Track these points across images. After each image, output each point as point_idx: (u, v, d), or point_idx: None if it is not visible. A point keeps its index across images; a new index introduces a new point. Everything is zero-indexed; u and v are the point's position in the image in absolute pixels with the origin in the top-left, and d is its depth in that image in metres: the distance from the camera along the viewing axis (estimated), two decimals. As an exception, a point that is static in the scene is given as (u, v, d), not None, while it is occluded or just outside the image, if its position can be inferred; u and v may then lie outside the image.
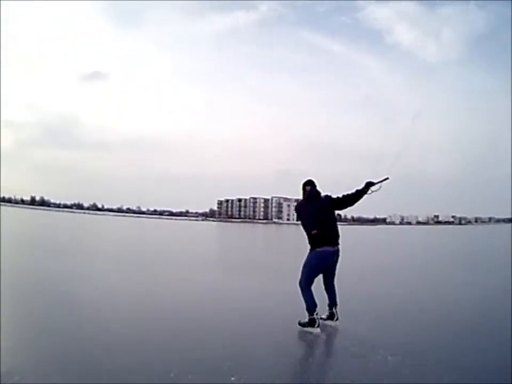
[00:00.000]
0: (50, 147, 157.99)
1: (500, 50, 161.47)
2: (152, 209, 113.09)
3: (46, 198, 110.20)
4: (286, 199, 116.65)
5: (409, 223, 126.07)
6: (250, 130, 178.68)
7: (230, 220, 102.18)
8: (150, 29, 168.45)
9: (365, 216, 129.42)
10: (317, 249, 3.93)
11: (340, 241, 4.05)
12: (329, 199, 4.07)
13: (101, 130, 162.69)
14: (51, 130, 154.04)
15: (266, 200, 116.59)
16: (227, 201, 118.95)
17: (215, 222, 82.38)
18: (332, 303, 4.10)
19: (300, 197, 4.21)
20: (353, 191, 4.03)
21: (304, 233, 4.06)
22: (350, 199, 4.04)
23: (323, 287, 4.10)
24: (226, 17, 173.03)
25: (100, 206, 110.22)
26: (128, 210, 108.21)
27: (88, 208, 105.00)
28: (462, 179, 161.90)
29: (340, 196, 4.06)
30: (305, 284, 3.90)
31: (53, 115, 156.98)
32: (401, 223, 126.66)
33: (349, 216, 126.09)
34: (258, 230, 44.55)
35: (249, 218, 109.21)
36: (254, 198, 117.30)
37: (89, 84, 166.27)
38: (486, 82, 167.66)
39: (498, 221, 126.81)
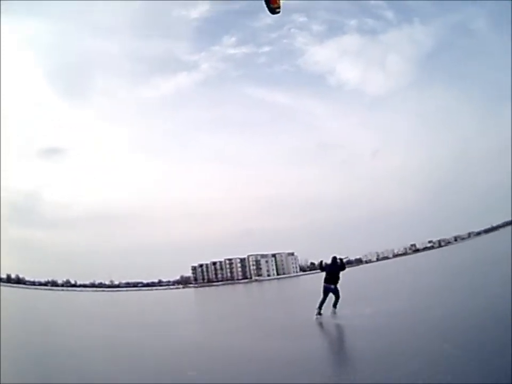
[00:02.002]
0: (20, 225, 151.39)
1: (450, 65, 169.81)
2: (124, 281, 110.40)
3: (21, 276, 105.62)
4: (263, 256, 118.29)
5: (387, 258, 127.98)
6: (208, 192, 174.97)
7: (210, 284, 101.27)
8: (97, 99, 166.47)
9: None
10: (325, 284, 10.28)
11: (339, 282, 10.18)
12: (339, 266, 10.44)
13: (65, 206, 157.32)
14: (17, 208, 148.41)
15: (242, 260, 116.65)
16: (201, 266, 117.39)
17: (196, 288, 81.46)
18: (334, 304, 10.13)
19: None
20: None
21: (324, 278, 10.35)
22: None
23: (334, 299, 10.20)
24: (170, 79, 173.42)
25: (73, 282, 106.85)
26: (101, 285, 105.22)
27: (62, 285, 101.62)
28: (432, 202, 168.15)
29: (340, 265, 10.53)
30: (321, 295, 10.15)
31: (18, 193, 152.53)
32: (378, 259, 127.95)
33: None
34: (254, 290, 44.69)
35: (228, 280, 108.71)
36: (229, 259, 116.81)
37: (48, 160, 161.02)
38: (440, 101, 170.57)
39: (478, 233, 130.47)
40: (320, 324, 9.37)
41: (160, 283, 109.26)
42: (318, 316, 9.92)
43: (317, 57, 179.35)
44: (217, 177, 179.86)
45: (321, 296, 10.22)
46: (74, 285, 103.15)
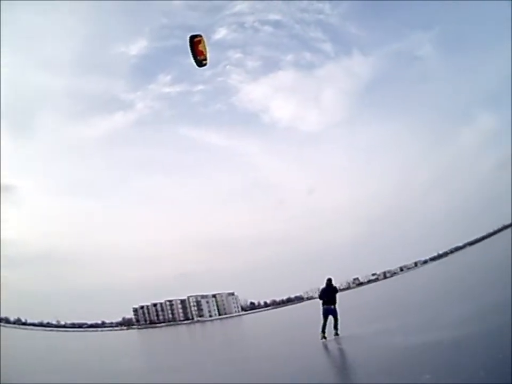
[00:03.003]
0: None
1: (391, 94, 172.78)
2: (70, 322, 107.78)
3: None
4: (203, 296, 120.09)
5: None
6: (147, 234, 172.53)
7: (153, 325, 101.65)
8: (40, 136, 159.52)
9: (277, 299, 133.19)
10: (324, 306, 11.04)
11: (337, 303, 10.98)
12: (335, 288, 11.33)
13: (12, 244, 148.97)
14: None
15: (183, 301, 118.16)
16: (142, 307, 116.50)
17: (139, 330, 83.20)
18: (335, 326, 10.81)
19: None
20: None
21: (320, 301, 11.20)
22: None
23: (333, 321, 10.88)
24: (107, 119, 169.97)
25: (23, 320, 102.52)
26: (49, 324, 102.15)
27: (14, 323, 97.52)
28: (374, 235, 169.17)
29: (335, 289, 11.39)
30: (322, 318, 10.89)
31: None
32: None
33: (262, 302, 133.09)
34: (197, 331, 44.32)
35: (170, 321, 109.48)
36: (170, 301, 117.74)
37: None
38: (379, 132, 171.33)
39: (425, 261, 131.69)
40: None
41: (103, 324, 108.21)
42: (324, 340, 10.40)
43: (251, 95, 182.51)
44: (155, 218, 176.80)
45: (322, 319, 10.80)
46: (25, 323, 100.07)
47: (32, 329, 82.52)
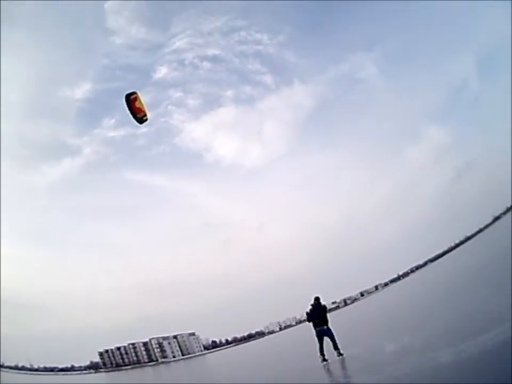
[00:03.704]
0: None
1: (333, 123, 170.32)
2: (42, 366, 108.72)
3: None
4: (164, 338, 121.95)
5: (290, 326, 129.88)
6: (100, 281, 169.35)
7: (119, 368, 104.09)
8: None
9: (239, 336, 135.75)
10: (316, 329, 10.42)
11: (329, 322, 10.37)
12: (325, 307, 10.61)
13: None
14: None
15: (145, 343, 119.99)
16: (107, 351, 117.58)
17: (107, 373, 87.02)
18: (335, 347, 10.16)
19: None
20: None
21: (312, 323, 10.57)
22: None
23: (331, 343, 10.24)
24: (55, 165, 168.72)
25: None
26: (23, 368, 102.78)
27: None
28: (329, 263, 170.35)
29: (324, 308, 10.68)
30: (317, 342, 10.27)
31: None
32: (281, 329, 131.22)
33: (223, 340, 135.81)
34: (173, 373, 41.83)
35: (136, 364, 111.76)
36: (132, 344, 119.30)
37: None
38: (324, 161, 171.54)
39: (386, 284, 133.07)
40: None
41: (73, 368, 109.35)
42: (324, 363, 9.82)
43: (194, 134, 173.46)
44: (108, 263, 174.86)
45: (317, 342, 10.09)
46: (2, 366, 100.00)
47: (7, 371, 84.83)
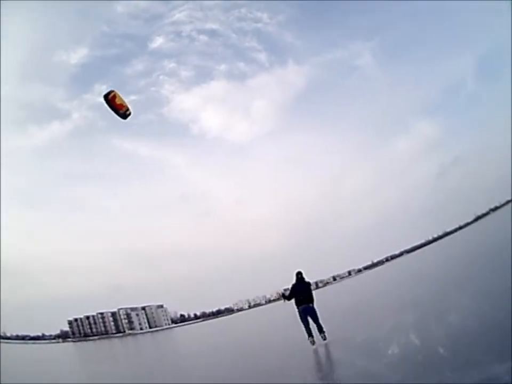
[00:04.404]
0: None
1: (325, 103, 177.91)
2: (15, 334, 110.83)
3: None
4: (133, 309, 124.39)
5: (259, 304, 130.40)
6: (77, 245, 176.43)
7: (86, 339, 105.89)
8: None
9: (207, 311, 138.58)
10: (299, 307, 8.98)
11: (314, 301, 9.01)
12: (309, 284, 9.27)
13: None
14: None
15: (113, 314, 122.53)
16: (76, 320, 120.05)
17: (75, 343, 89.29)
18: (319, 330, 8.84)
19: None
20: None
21: (294, 300, 9.17)
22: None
23: (314, 325, 8.89)
24: (44, 129, 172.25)
25: None
26: None
27: None
28: (304, 244, 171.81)
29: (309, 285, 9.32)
30: (302, 324, 8.93)
31: None
32: (250, 307, 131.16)
33: (192, 314, 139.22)
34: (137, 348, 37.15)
35: (103, 334, 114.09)
36: (101, 313, 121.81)
37: None
38: (312, 141, 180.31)
39: (359, 270, 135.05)
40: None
41: (43, 337, 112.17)
42: (314, 346, 8.67)
43: (182, 106, 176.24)
44: (88, 229, 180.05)
45: (302, 323, 8.96)
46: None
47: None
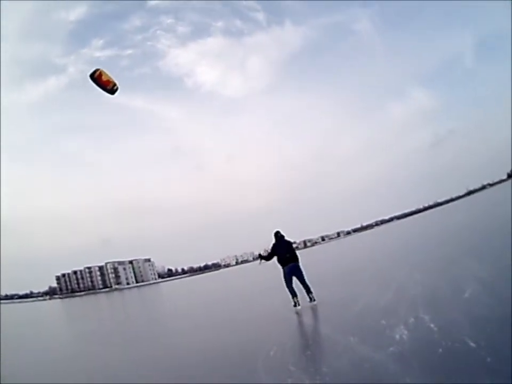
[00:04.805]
0: None
1: (320, 65, 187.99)
2: (4, 294, 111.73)
3: None
4: (120, 263, 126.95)
5: (246, 261, 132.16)
6: (65, 198, 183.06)
7: (74, 294, 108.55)
8: None
9: (195, 266, 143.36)
10: (284, 267, 8.20)
11: (299, 259, 8.27)
12: (290, 242, 8.53)
13: None
14: None
15: (101, 268, 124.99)
16: (63, 275, 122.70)
17: (60, 300, 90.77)
18: (307, 292, 8.01)
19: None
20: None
21: (276, 259, 8.40)
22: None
23: (300, 285, 8.05)
24: (40, 84, 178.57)
25: None
26: None
27: None
28: (293, 203, 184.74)
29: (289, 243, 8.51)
30: (286, 285, 8.13)
31: None
32: (237, 263, 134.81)
33: (179, 269, 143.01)
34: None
35: (90, 289, 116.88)
36: (89, 268, 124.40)
37: None
38: (303, 102, 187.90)
39: (348, 232, 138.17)
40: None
41: (32, 294, 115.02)
42: (298, 308, 7.89)
43: (178, 60, 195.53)
44: (74, 182, 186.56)
45: (285, 284, 8.15)
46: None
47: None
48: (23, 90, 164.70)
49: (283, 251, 8.40)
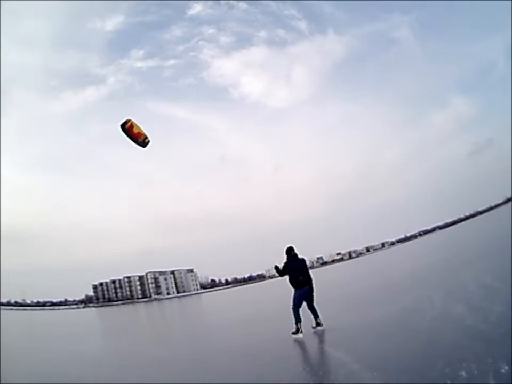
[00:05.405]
0: None
1: (363, 74, 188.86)
2: (35, 301, 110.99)
3: None
4: (161, 273, 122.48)
5: None
6: (109, 210, 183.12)
7: (110, 303, 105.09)
8: (12, 113, 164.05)
9: (239, 277, 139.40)
10: (298, 290, 7.60)
11: (313, 282, 7.67)
12: (304, 261, 7.91)
13: None
14: None
15: (141, 277, 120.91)
16: (101, 284, 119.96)
17: (95, 308, 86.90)
18: (315, 316, 7.62)
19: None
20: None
21: (288, 279, 7.82)
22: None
23: (308, 310, 7.66)
24: (79, 94, 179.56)
25: None
26: (16, 304, 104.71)
27: None
28: (338, 214, 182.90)
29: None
30: (293, 308, 7.46)
31: None
32: None
33: (223, 280, 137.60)
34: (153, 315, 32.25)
35: (128, 299, 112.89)
36: (128, 277, 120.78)
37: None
38: (347, 112, 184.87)
39: (393, 243, 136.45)
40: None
41: (66, 302, 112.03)
42: (300, 336, 7.24)
43: (222, 70, 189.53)
44: (118, 195, 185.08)
45: (293, 308, 7.49)
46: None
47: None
48: (61, 100, 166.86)
49: (296, 272, 7.87)
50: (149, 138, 6.30)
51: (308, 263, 8.44)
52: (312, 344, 6.92)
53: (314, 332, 7.59)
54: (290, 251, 8.00)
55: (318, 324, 7.70)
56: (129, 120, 6.25)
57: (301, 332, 7.39)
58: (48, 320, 40.17)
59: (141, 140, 6.26)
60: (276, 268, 8.17)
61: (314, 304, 7.77)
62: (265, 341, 7.84)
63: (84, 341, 14.82)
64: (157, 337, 13.38)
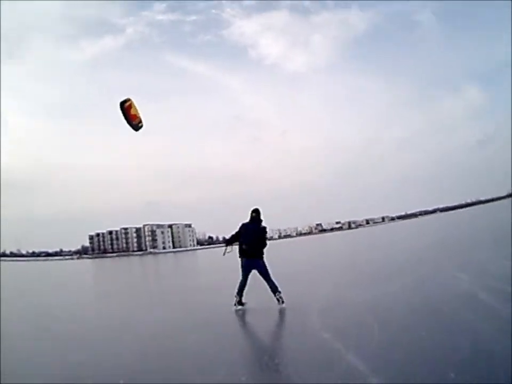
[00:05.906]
0: None
1: (380, 52, 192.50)
2: (30, 251, 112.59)
3: None
4: (159, 226, 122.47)
5: (289, 236, 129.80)
6: (117, 161, 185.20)
7: (104, 255, 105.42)
8: (29, 59, 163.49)
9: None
10: (243, 260, 6.63)
11: (264, 254, 6.61)
12: (263, 230, 6.80)
13: None
14: None
15: (138, 230, 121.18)
16: (98, 235, 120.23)
17: (89, 260, 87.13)
18: (273, 291, 6.46)
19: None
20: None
21: (238, 250, 6.75)
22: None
23: (265, 283, 6.55)
24: (96, 43, 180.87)
25: None
26: (11, 254, 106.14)
27: None
28: (342, 184, 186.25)
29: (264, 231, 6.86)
30: (241, 277, 6.63)
31: None
32: (280, 237, 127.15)
33: (220, 237, 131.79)
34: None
35: (124, 251, 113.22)
36: (125, 229, 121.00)
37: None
38: (360, 85, 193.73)
39: (393, 218, 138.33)
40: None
41: (61, 253, 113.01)
42: (239, 307, 6.75)
43: (243, 30, 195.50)
44: (127, 144, 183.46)
45: (240, 277, 6.78)
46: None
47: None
48: (78, 48, 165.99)
49: (247, 239, 6.81)
50: (143, 123, 6.24)
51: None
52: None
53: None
54: (253, 213, 7.01)
55: (278, 300, 6.66)
56: (129, 100, 6.16)
57: (241, 304, 6.88)
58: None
59: (135, 123, 6.18)
60: (224, 240, 7.65)
61: (273, 278, 6.78)
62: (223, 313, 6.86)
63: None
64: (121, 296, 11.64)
